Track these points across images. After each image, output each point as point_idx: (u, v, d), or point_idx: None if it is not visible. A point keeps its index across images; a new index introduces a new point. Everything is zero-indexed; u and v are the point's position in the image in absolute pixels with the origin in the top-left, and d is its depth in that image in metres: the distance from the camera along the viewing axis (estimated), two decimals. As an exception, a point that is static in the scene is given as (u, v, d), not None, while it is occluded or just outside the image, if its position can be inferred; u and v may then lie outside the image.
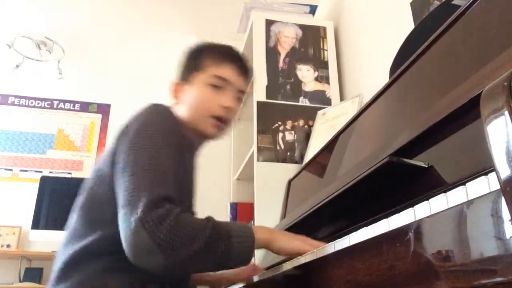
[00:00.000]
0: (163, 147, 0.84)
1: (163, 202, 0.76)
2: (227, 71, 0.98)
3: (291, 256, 0.82)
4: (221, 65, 0.98)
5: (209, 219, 0.79)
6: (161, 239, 0.72)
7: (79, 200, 0.91)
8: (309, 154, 1.65)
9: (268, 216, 1.58)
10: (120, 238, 0.77)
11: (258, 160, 1.74)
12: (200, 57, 1.01)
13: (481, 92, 0.35)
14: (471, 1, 0.65)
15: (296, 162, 1.74)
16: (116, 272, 0.82)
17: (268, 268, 1.04)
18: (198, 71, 0.99)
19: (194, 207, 1.03)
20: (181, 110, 0.99)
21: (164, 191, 0.77)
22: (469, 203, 0.32)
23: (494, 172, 0.31)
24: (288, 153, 1.78)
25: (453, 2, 0.94)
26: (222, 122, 0.98)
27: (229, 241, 0.77)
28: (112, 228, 0.80)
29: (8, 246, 2.84)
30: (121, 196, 0.79)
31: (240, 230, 0.80)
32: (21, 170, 3.18)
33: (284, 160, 1.76)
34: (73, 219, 0.90)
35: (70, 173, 3.21)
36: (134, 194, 0.77)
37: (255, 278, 0.98)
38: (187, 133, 0.95)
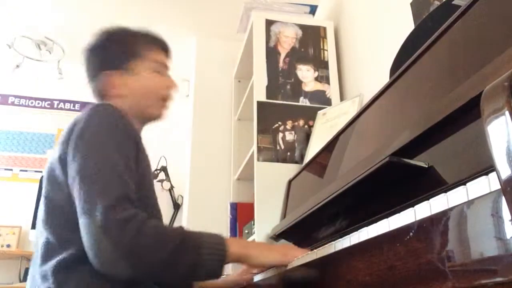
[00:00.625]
0: (112, 146, 0.79)
1: (121, 203, 0.72)
2: (162, 56, 1.01)
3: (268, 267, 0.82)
4: (156, 50, 1.00)
5: (180, 229, 0.78)
6: (125, 247, 0.69)
7: (41, 214, 0.85)
8: (309, 154, 1.65)
9: (268, 216, 1.58)
10: None
11: (258, 160, 1.74)
12: (134, 44, 0.98)
13: (482, 92, 0.35)
14: (471, 1, 0.65)
15: (296, 162, 1.74)
16: (109, 278, 0.77)
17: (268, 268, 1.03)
18: (136, 58, 0.97)
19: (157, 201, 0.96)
20: (124, 101, 0.94)
21: (120, 192, 0.73)
22: (469, 203, 0.32)
23: (494, 172, 0.31)
24: (288, 153, 1.78)
25: (453, 2, 0.94)
26: (167, 101, 1.01)
27: (198, 253, 0.75)
28: None
29: (8, 246, 2.84)
30: (78, 205, 0.75)
31: (212, 242, 0.78)
32: (21, 170, 3.18)
33: (284, 160, 1.76)
34: (44, 233, 0.82)
35: (80, 223, 3.21)
36: (88, 201, 0.73)
37: (256, 278, 0.98)
38: (132, 122, 0.89)
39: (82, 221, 0.73)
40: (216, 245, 0.77)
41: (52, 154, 0.87)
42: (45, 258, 0.80)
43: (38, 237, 0.86)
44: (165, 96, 1.00)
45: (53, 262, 0.78)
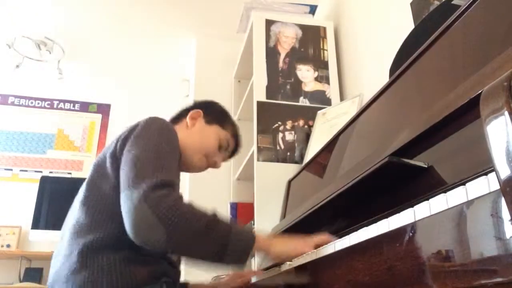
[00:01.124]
0: (166, 144, 0.90)
1: (166, 186, 0.80)
2: (232, 145, 1.19)
3: (290, 259, 0.83)
4: (233, 138, 1.19)
5: (213, 211, 0.84)
6: (163, 213, 0.75)
7: (80, 195, 0.93)
8: (309, 154, 1.65)
9: (268, 216, 1.58)
10: None
11: (258, 160, 1.74)
12: (228, 121, 1.20)
13: (481, 92, 0.35)
14: (471, 1, 0.65)
15: (296, 162, 1.74)
16: (136, 263, 0.85)
17: (267, 269, 1.03)
18: (220, 125, 1.16)
19: None
20: (185, 134, 1.09)
21: (168, 177, 0.82)
22: (469, 203, 0.32)
23: (494, 172, 0.31)
24: (288, 153, 1.77)
25: (453, 2, 0.94)
26: (205, 166, 1.15)
27: (228, 234, 0.80)
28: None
29: (8, 246, 2.84)
30: (124, 182, 0.83)
31: (242, 228, 0.84)
32: (21, 170, 3.18)
33: (284, 160, 1.76)
34: (77, 214, 0.90)
35: (70, 173, 3.22)
36: (138, 176, 0.81)
37: (254, 279, 0.98)
38: None
39: (125, 193, 0.80)
40: (245, 232, 0.84)
41: (107, 147, 0.97)
42: (74, 237, 0.87)
43: (69, 222, 0.92)
44: (207, 163, 1.14)
45: (80, 242, 0.85)
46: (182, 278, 1.06)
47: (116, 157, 0.91)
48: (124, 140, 0.92)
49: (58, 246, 0.93)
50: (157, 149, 0.88)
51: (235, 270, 1.23)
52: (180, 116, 1.18)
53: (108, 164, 0.92)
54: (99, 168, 0.94)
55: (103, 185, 0.91)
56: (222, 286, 1.16)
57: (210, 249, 0.80)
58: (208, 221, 0.80)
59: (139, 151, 0.87)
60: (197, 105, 1.21)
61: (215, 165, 1.16)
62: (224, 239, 0.80)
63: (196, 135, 1.12)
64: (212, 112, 1.19)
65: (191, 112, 1.15)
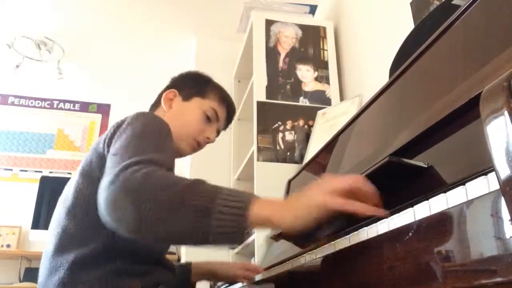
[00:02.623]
0: (157, 127, 0.83)
1: (141, 163, 0.69)
2: (221, 111, 1.07)
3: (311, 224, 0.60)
4: (221, 103, 1.07)
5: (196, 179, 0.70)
6: (131, 188, 0.65)
7: (66, 201, 0.86)
8: (309, 154, 1.65)
9: (268, 216, 1.58)
10: (131, 241, 0.74)
11: (258, 160, 1.74)
12: (207, 87, 1.07)
13: (481, 92, 0.35)
14: (471, 1, 0.65)
15: (296, 162, 1.74)
16: (130, 275, 0.80)
17: (267, 268, 1.03)
18: (200, 96, 1.05)
19: None
20: (167, 120, 0.97)
21: (147, 156, 0.72)
22: (469, 203, 0.32)
23: (493, 172, 0.31)
24: (288, 153, 1.77)
25: (453, 2, 0.94)
26: (198, 146, 1.05)
27: (213, 197, 0.63)
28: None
29: (8, 246, 2.84)
30: (106, 171, 0.74)
31: (232, 190, 0.66)
32: (21, 170, 3.18)
33: (284, 160, 1.76)
34: (63, 221, 0.84)
35: (70, 173, 3.22)
36: (117, 162, 0.72)
37: (259, 277, 0.98)
38: None
39: (102, 180, 0.71)
40: (237, 192, 0.65)
41: (92, 147, 0.89)
42: (61, 249, 0.81)
43: (53, 228, 0.86)
44: (197, 139, 1.03)
45: (71, 255, 0.79)
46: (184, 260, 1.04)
47: (103, 157, 0.83)
48: (110, 139, 0.84)
49: (45, 249, 0.86)
50: (139, 135, 0.79)
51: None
52: (157, 103, 1.08)
53: (94, 164, 0.85)
54: (85, 173, 0.86)
55: (89, 192, 0.83)
56: (225, 270, 1.14)
57: (190, 220, 0.62)
58: (186, 185, 0.65)
59: (119, 144, 0.78)
60: (171, 84, 1.10)
61: (208, 141, 1.05)
62: (206, 203, 0.62)
63: (176, 118, 1.01)
64: (188, 85, 1.07)
65: (164, 94, 1.05)
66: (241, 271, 1.11)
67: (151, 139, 0.79)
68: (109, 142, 0.83)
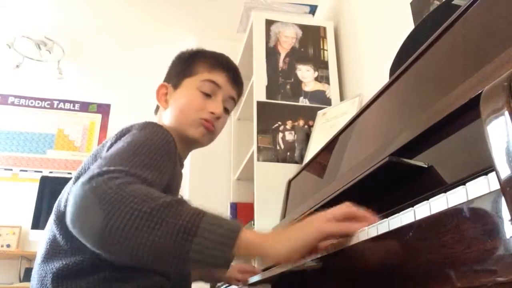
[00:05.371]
0: (157, 144, 0.75)
1: (121, 172, 0.63)
2: (219, 77, 0.95)
3: (303, 254, 0.57)
4: (213, 70, 0.95)
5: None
6: (104, 192, 0.58)
7: (57, 210, 0.82)
8: (309, 154, 1.65)
9: (268, 216, 1.58)
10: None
11: (258, 160, 1.74)
12: (192, 63, 0.97)
13: (481, 92, 0.35)
14: (471, 1, 0.65)
15: (296, 162, 1.74)
16: (119, 281, 0.76)
17: (265, 270, 1.03)
18: (189, 76, 0.96)
19: None
20: (168, 116, 0.95)
21: (132, 170, 0.65)
22: (469, 203, 0.32)
23: (494, 172, 0.31)
24: (288, 153, 1.77)
25: (453, 2, 0.94)
26: (209, 124, 0.94)
27: (198, 217, 0.57)
28: None
29: (8, 246, 2.84)
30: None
31: (218, 215, 0.60)
32: (21, 170, 3.18)
33: (284, 160, 1.76)
34: (52, 227, 0.81)
35: (70, 173, 3.22)
36: (96, 168, 0.65)
37: (255, 279, 0.98)
38: (177, 145, 0.87)
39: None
40: (224, 218, 0.59)
41: (93, 154, 0.84)
42: (48, 257, 0.78)
43: (46, 231, 0.83)
44: (202, 117, 0.92)
45: (55, 265, 0.76)
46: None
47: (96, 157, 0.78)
48: (111, 146, 0.78)
49: (37, 254, 0.83)
50: (135, 149, 0.71)
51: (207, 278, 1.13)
52: (157, 104, 1.01)
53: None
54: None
55: None
56: (221, 274, 1.13)
57: (167, 239, 0.55)
58: (168, 201, 0.58)
59: (113, 150, 0.71)
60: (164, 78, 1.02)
61: (214, 115, 0.93)
62: (191, 221, 0.55)
63: (174, 109, 0.94)
64: (174, 72, 0.99)
65: (155, 92, 0.98)
66: (238, 274, 1.10)
67: (146, 155, 0.71)
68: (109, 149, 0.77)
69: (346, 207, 0.57)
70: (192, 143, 0.96)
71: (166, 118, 0.95)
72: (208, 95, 0.94)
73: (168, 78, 1.00)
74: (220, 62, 0.97)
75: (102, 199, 0.58)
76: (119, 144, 0.74)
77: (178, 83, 0.96)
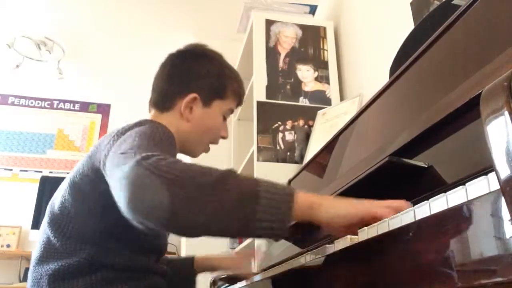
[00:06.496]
0: (168, 141, 0.76)
1: (161, 155, 0.62)
2: (235, 106, 1.02)
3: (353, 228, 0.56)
4: (236, 100, 1.01)
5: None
6: (163, 171, 0.57)
7: (51, 212, 0.82)
8: (309, 154, 1.65)
9: (268, 216, 1.58)
10: (116, 249, 0.74)
11: (258, 160, 1.74)
12: (226, 86, 0.99)
13: (481, 92, 0.35)
14: (471, 1, 0.65)
15: (296, 162, 1.74)
16: (116, 282, 0.77)
17: (267, 269, 1.03)
18: (220, 98, 0.98)
19: None
20: (184, 126, 0.95)
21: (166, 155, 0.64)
22: (469, 203, 0.32)
23: (494, 172, 0.31)
24: (288, 153, 1.78)
25: (453, 2, 0.94)
26: (214, 144, 1.02)
27: (256, 184, 0.59)
28: (104, 242, 0.76)
29: (8, 246, 2.84)
30: (111, 168, 0.68)
31: (272, 181, 0.62)
32: (21, 170, 3.18)
33: (284, 160, 1.76)
34: (46, 228, 0.81)
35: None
36: (127, 157, 0.64)
37: (256, 278, 0.98)
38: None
39: (114, 173, 0.64)
40: (279, 184, 0.62)
41: (88, 155, 0.83)
42: (43, 259, 0.78)
43: (41, 233, 0.83)
44: (214, 142, 1.01)
45: (51, 266, 0.76)
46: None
47: (98, 172, 0.76)
48: (110, 148, 0.76)
49: (32, 256, 0.83)
50: (148, 138, 0.72)
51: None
52: (166, 104, 0.96)
53: (86, 180, 0.79)
54: (75, 185, 0.81)
55: (76, 207, 0.79)
56: (227, 264, 1.13)
57: (233, 208, 0.56)
58: (223, 171, 0.59)
59: (128, 145, 0.69)
60: (185, 81, 0.96)
61: (223, 139, 1.03)
62: (251, 191, 0.57)
63: (198, 125, 0.96)
64: (207, 86, 0.96)
65: (185, 101, 0.94)
66: (240, 262, 1.11)
67: (159, 144, 0.72)
68: (107, 153, 0.75)
69: (405, 203, 0.56)
70: (185, 153, 1.01)
71: (181, 127, 0.94)
72: (224, 120, 1.00)
73: (197, 88, 0.96)
74: (243, 93, 1.03)
75: (162, 177, 0.56)
76: (129, 140, 0.71)
77: (209, 101, 0.96)
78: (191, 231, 0.60)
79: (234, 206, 0.56)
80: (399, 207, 0.54)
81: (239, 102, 1.03)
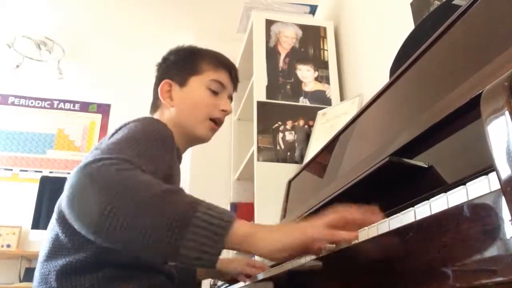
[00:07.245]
0: (145, 147, 0.74)
1: (118, 159, 0.63)
2: (224, 77, 1.00)
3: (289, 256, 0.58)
4: (218, 70, 1.00)
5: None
6: (101, 178, 0.58)
7: (59, 209, 0.82)
8: (309, 154, 1.65)
9: (268, 216, 1.58)
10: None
11: (258, 160, 1.74)
12: (196, 60, 0.99)
13: (482, 92, 0.35)
14: (471, 1, 0.65)
15: (296, 162, 1.74)
16: (121, 280, 0.77)
17: (272, 267, 1.03)
18: (196, 74, 0.98)
19: None
20: (174, 113, 0.96)
21: (130, 158, 0.65)
22: (469, 203, 0.32)
23: (494, 172, 0.31)
24: (288, 153, 1.78)
25: (453, 2, 0.94)
26: (216, 124, 0.99)
27: (194, 206, 0.57)
28: None
29: (8, 246, 2.84)
30: None
31: (214, 205, 0.59)
32: (21, 170, 3.18)
33: (284, 160, 1.76)
34: (55, 226, 0.81)
35: (70, 173, 3.22)
36: (98, 149, 0.66)
37: (258, 277, 0.98)
38: (177, 141, 0.88)
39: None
40: (220, 208, 0.59)
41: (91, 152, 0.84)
42: (51, 255, 0.78)
43: (48, 231, 0.83)
44: (214, 116, 0.97)
45: (59, 262, 0.76)
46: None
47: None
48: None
49: (40, 253, 0.83)
50: (130, 140, 0.72)
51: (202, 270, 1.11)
52: (156, 101, 1.00)
53: None
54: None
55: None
56: (230, 269, 1.11)
57: (163, 226, 0.54)
58: (165, 189, 0.58)
59: (109, 142, 0.71)
60: (160, 74, 1.01)
61: (226, 113, 0.99)
62: (185, 217, 0.55)
63: (182, 108, 0.96)
64: (178, 69, 0.99)
65: (159, 90, 0.97)
66: (247, 268, 1.09)
67: (143, 146, 0.72)
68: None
69: (340, 213, 0.57)
70: (195, 140, 0.99)
71: (170, 115, 0.96)
72: (215, 93, 0.98)
73: (169, 75, 0.99)
74: (222, 61, 1.01)
75: (99, 184, 0.58)
76: (117, 136, 0.75)
77: (184, 81, 0.97)
78: (115, 244, 0.60)
79: (164, 228, 0.55)
80: (336, 219, 0.56)
81: (225, 70, 1.01)
